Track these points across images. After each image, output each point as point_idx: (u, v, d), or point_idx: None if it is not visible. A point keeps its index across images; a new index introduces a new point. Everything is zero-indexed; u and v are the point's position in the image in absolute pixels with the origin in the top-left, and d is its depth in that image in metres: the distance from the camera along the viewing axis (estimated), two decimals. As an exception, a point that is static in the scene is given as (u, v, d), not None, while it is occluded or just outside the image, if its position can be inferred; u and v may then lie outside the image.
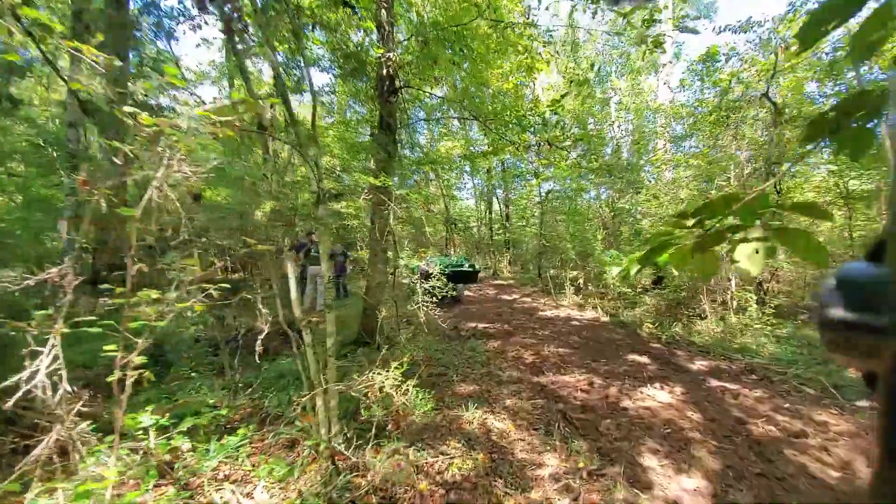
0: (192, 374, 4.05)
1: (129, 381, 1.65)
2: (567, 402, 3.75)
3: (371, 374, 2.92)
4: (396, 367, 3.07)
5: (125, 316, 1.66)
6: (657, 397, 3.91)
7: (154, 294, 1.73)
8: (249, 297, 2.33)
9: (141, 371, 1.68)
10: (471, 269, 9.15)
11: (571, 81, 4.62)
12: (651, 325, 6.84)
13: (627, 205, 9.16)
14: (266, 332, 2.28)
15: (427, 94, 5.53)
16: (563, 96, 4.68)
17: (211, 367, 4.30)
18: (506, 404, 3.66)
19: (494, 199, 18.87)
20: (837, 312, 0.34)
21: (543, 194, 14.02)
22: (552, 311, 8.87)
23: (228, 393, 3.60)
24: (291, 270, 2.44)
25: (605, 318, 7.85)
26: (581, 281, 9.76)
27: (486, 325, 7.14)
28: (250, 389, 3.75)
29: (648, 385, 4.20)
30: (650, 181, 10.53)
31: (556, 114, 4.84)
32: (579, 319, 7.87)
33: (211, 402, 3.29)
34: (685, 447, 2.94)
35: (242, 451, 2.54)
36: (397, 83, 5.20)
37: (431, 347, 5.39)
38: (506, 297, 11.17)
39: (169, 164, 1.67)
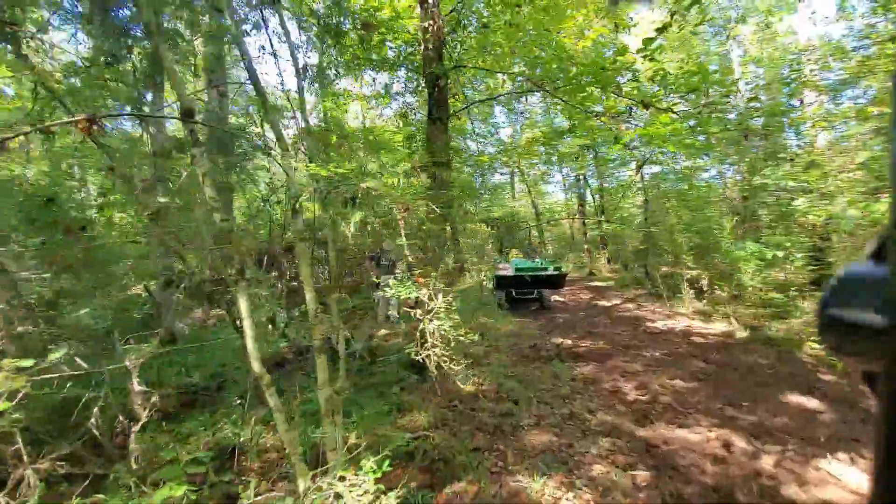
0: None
1: None
2: (689, 477, 2.52)
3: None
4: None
5: None
6: (845, 479, 2.44)
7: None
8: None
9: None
10: (555, 273, 7.89)
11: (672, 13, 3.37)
12: (817, 346, 4.87)
13: (769, 179, 6.95)
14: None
15: (484, 70, 4.65)
16: (660, 30, 3.35)
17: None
18: (592, 473, 2.59)
19: (587, 190, 16.88)
20: (839, 312, 0.34)
21: (646, 178, 11.92)
22: (665, 321, 7.15)
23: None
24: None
25: (743, 333, 5.96)
26: (704, 282, 7.74)
27: (577, 341, 5.91)
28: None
29: (828, 455, 2.70)
30: (796, 147, 7.97)
31: (651, 59, 3.51)
32: (704, 334, 6.11)
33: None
34: None
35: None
36: (445, 63, 4.45)
37: (500, 372, 4.47)
38: (603, 302, 9.57)
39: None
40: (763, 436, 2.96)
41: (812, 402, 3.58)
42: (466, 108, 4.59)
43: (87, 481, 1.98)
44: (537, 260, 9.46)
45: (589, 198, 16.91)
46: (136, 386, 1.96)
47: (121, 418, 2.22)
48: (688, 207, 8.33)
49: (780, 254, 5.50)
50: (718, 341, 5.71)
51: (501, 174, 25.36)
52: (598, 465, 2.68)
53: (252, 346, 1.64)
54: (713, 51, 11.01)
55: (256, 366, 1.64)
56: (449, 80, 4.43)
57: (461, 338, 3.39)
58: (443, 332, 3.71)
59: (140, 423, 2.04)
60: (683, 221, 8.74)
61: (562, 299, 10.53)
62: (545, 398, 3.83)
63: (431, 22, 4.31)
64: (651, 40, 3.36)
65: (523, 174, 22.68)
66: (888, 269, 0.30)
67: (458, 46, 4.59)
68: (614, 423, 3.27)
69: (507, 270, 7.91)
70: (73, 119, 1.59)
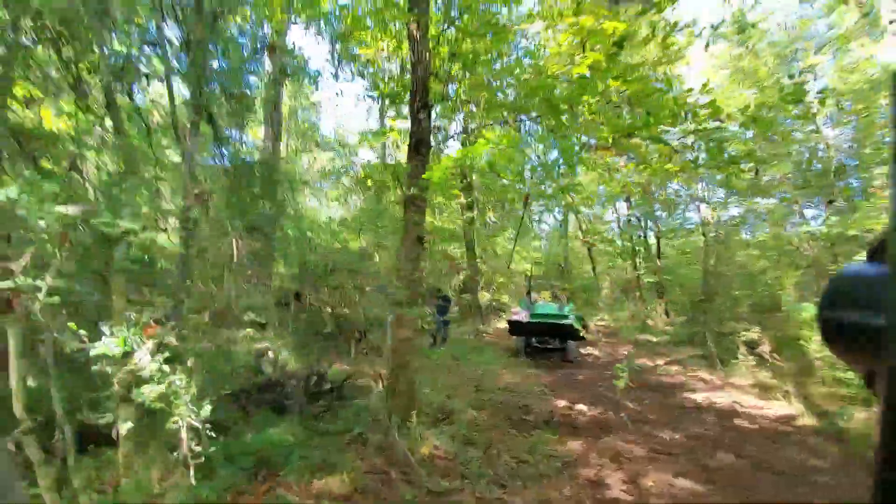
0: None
1: None
2: None
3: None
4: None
5: None
6: None
7: None
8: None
9: None
10: (569, 323, 6.97)
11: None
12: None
13: (853, 229, 5.60)
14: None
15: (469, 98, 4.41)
16: (618, 44, 2.73)
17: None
18: None
19: (641, 232, 15.42)
20: (839, 313, 0.34)
21: (711, 220, 10.56)
22: (709, 392, 5.91)
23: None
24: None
25: (807, 420, 4.65)
26: (765, 347, 6.33)
27: (579, 408, 5.04)
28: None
29: None
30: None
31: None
32: (753, 416, 4.88)
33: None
34: None
35: None
36: (431, 93, 4.30)
37: (469, 436, 3.86)
38: (645, 361, 8.29)
39: None
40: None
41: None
42: (444, 140, 4.35)
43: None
44: (567, 306, 8.57)
45: (651, 239, 15.43)
46: None
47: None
48: (750, 255, 7.06)
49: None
50: (769, 427, 4.49)
51: (540, 211, 24.52)
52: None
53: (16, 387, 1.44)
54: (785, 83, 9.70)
55: (18, 409, 1.43)
56: (433, 114, 4.26)
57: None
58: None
59: None
60: (742, 271, 7.42)
61: (597, 352, 9.38)
62: (503, 479, 3.17)
63: (418, 59, 4.25)
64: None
65: (574, 211, 21.67)
66: (887, 269, 0.30)
67: (450, 82, 4.43)
68: (567, 529, 2.54)
69: (522, 316, 7.20)
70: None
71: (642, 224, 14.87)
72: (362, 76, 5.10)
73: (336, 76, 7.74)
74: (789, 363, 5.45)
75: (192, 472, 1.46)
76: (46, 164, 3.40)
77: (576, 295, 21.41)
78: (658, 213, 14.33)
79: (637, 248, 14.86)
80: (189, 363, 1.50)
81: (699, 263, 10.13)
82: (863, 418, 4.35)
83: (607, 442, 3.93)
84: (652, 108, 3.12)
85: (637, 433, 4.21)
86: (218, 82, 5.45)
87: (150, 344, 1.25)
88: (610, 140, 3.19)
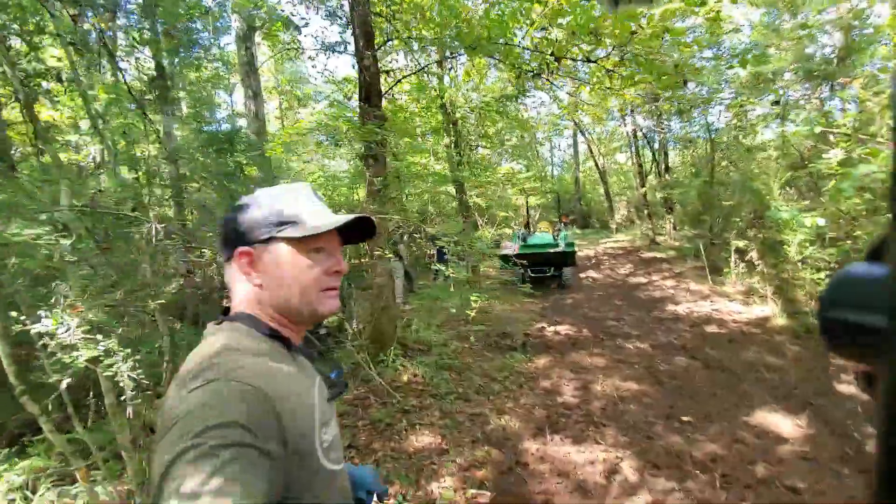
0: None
1: None
2: (533, 507, 2.16)
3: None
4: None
5: None
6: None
7: None
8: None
9: None
10: (560, 251, 7.09)
11: None
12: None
13: (847, 121, 5.20)
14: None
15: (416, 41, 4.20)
16: None
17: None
18: (431, 488, 2.38)
19: (646, 147, 14.68)
20: (838, 313, 0.34)
21: (709, 129, 9.98)
22: (694, 302, 6.08)
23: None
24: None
25: (782, 321, 4.79)
26: (753, 255, 6.30)
27: (563, 329, 5.36)
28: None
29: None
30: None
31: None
32: (729, 321, 5.06)
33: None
34: None
35: None
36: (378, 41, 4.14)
37: (445, 363, 4.28)
38: (641, 279, 8.45)
39: None
40: (670, 467, 2.38)
41: (792, 428, 2.76)
42: (396, 83, 4.19)
43: None
44: (562, 234, 8.63)
45: (650, 155, 14.75)
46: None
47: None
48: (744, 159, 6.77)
49: (822, 221, 4.17)
50: (738, 329, 4.68)
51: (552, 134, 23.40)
52: (448, 480, 2.45)
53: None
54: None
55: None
56: (378, 60, 4.14)
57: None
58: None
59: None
60: (741, 178, 7.16)
61: (597, 275, 9.57)
62: (468, 395, 3.58)
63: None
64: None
65: (583, 131, 20.65)
66: (888, 268, 0.30)
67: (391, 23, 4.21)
68: (512, 431, 2.93)
69: (511, 248, 7.36)
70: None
71: (646, 138, 14.11)
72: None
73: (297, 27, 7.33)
74: (770, 267, 5.47)
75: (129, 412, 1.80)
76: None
77: (575, 221, 21.16)
78: (667, 122, 13.50)
79: (643, 164, 14.28)
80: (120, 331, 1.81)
81: (704, 174, 9.74)
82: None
83: (574, 357, 4.26)
84: (577, 28, 2.94)
85: (606, 346, 4.52)
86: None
87: (75, 320, 1.53)
88: (545, 65, 3.06)
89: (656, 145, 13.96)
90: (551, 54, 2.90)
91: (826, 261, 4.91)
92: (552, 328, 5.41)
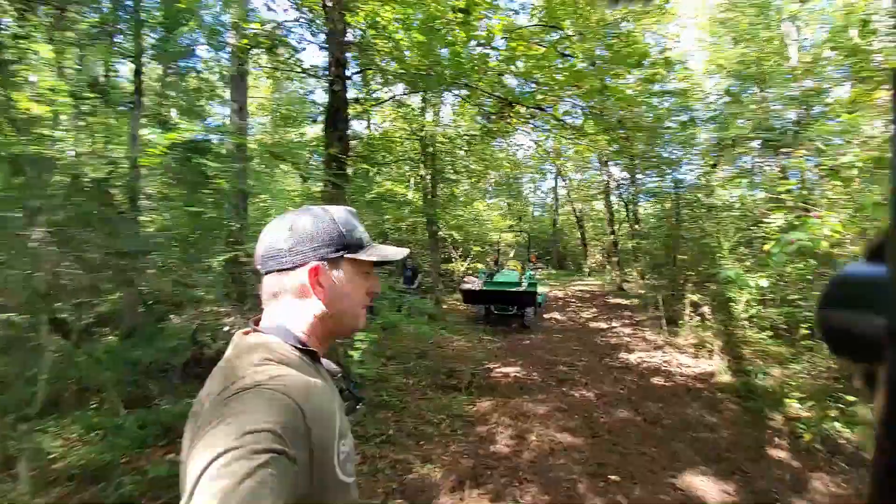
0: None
1: None
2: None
3: None
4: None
5: None
6: None
7: None
8: None
9: None
10: (521, 291, 7.08)
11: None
12: (799, 406, 3.73)
13: (786, 188, 5.49)
14: None
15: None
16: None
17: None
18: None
19: (615, 197, 15.27)
20: (837, 313, 0.34)
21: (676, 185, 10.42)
22: (647, 353, 6.09)
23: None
24: None
25: (726, 377, 4.82)
26: (706, 309, 6.44)
27: (514, 370, 5.24)
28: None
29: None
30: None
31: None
32: (676, 374, 5.07)
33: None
34: None
35: None
36: (348, 63, 4.20)
37: (385, 401, 4.07)
38: (602, 324, 8.49)
39: None
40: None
41: (717, 493, 2.69)
42: (365, 110, 4.22)
43: None
44: (527, 273, 8.68)
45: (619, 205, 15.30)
46: None
47: None
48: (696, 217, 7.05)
49: (765, 283, 4.30)
50: (683, 384, 4.67)
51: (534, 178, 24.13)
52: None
53: None
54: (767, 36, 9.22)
55: None
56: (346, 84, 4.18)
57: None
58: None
59: None
60: (698, 235, 7.43)
61: (561, 317, 9.58)
62: (398, 438, 3.38)
63: (333, 27, 4.14)
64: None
65: (562, 177, 21.36)
66: (888, 269, 0.30)
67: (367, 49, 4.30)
68: (431, 482, 2.74)
69: (476, 284, 7.32)
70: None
71: (619, 189, 14.70)
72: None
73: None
74: (719, 324, 5.56)
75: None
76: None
77: (550, 261, 21.47)
78: (641, 175, 14.12)
79: (614, 213, 14.78)
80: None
81: (667, 228, 10.11)
82: (778, 375, 4.50)
83: (517, 402, 4.13)
84: (540, 74, 3.05)
85: (552, 393, 4.41)
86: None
87: None
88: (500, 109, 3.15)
89: (629, 196, 14.53)
90: (505, 99, 2.99)
91: (772, 320, 5.04)
92: (504, 369, 5.29)
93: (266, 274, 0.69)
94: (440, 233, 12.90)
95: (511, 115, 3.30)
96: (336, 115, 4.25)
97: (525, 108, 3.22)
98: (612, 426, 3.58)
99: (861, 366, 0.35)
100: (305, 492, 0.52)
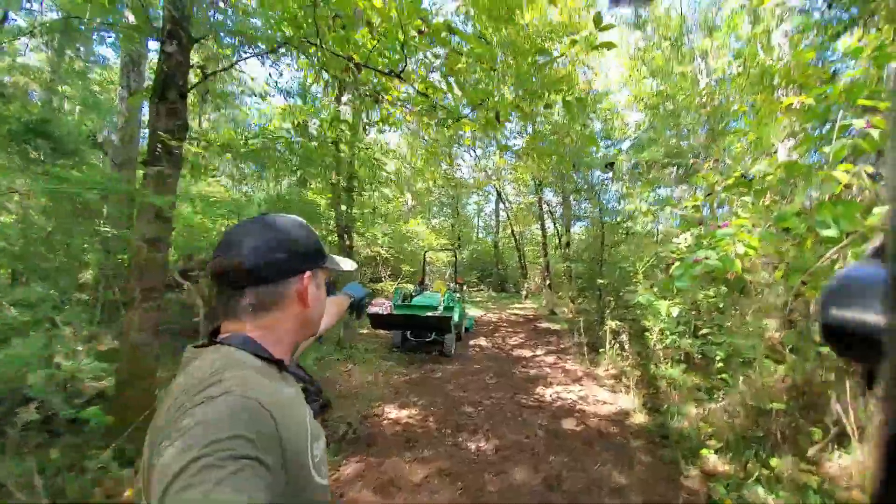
0: None
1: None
2: None
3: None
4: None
5: None
6: None
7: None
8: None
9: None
10: (440, 317, 6.33)
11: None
12: (716, 455, 3.23)
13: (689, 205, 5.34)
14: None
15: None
16: None
17: None
18: None
19: (548, 218, 15.38)
20: (839, 313, 0.34)
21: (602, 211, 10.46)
22: (565, 385, 5.53)
23: None
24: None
25: (641, 417, 4.32)
26: (625, 337, 6.09)
27: (410, 413, 4.37)
28: None
29: None
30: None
31: None
32: (590, 413, 4.49)
33: None
34: None
35: None
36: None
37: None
38: (526, 352, 7.93)
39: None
40: None
41: None
42: (205, 77, 3.35)
43: None
44: (447, 296, 7.94)
45: (553, 228, 15.40)
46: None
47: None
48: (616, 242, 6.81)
49: (676, 310, 3.90)
50: (601, 429, 4.08)
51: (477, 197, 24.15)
52: None
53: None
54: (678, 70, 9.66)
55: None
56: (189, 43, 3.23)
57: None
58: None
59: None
60: (619, 261, 7.19)
61: (486, 343, 8.93)
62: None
63: None
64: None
65: (502, 199, 21.43)
66: (889, 268, 0.29)
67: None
68: None
69: (383, 308, 6.43)
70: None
71: (551, 212, 14.79)
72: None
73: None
74: (635, 355, 5.18)
75: None
76: None
77: (493, 283, 21.22)
78: (574, 200, 14.29)
79: (546, 235, 14.77)
80: None
81: (591, 251, 10.01)
82: (694, 414, 4.05)
83: (392, 464, 3.25)
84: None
85: (442, 447, 3.59)
86: None
87: None
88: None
89: (560, 218, 14.62)
90: (350, 58, 2.28)
91: (687, 352, 4.69)
92: (397, 412, 4.40)
93: (254, 284, 0.67)
94: (365, 252, 11.92)
95: (387, 98, 2.60)
96: (166, 84, 3.27)
97: (397, 84, 2.51)
98: (505, 493, 2.82)
99: (862, 365, 0.35)
100: (281, 498, 0.52)
